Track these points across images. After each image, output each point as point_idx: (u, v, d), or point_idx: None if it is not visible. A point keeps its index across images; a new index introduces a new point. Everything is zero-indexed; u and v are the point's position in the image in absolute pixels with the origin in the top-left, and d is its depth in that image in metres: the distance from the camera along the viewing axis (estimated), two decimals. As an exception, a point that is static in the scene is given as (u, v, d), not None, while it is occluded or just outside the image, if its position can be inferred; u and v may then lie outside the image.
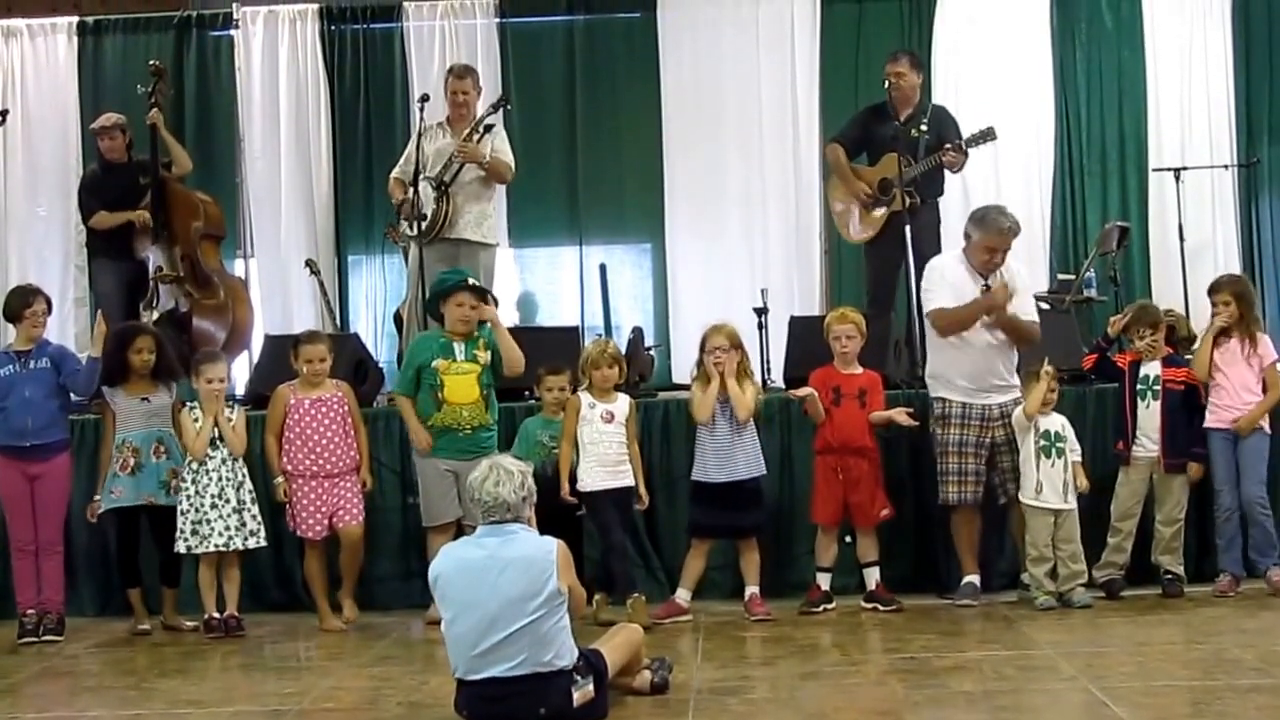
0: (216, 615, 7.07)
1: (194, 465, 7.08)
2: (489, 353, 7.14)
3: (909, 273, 8.15)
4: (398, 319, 9.84)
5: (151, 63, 9.33)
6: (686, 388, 7.58)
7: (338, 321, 10.23)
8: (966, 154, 8.34)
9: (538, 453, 7.04)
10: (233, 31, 10.66)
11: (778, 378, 8.44)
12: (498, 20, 10.70)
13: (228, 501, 7.07)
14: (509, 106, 8.87)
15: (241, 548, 7.10)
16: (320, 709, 5.53)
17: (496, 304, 7.55)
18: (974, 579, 7.17)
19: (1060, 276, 9.61)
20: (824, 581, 7.12)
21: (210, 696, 5.82)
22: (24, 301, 7.20)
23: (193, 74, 10.74)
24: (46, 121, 10.69)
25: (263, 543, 7.21)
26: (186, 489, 7.07)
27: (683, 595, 7.09)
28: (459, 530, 6.88)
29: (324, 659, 6.63)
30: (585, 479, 6.99)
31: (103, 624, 7.49)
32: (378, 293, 10.69)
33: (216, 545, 7.03)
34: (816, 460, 7.20)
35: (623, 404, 7.15)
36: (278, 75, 10.68)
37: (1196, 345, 7.35)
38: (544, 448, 7.14)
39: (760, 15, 10.55)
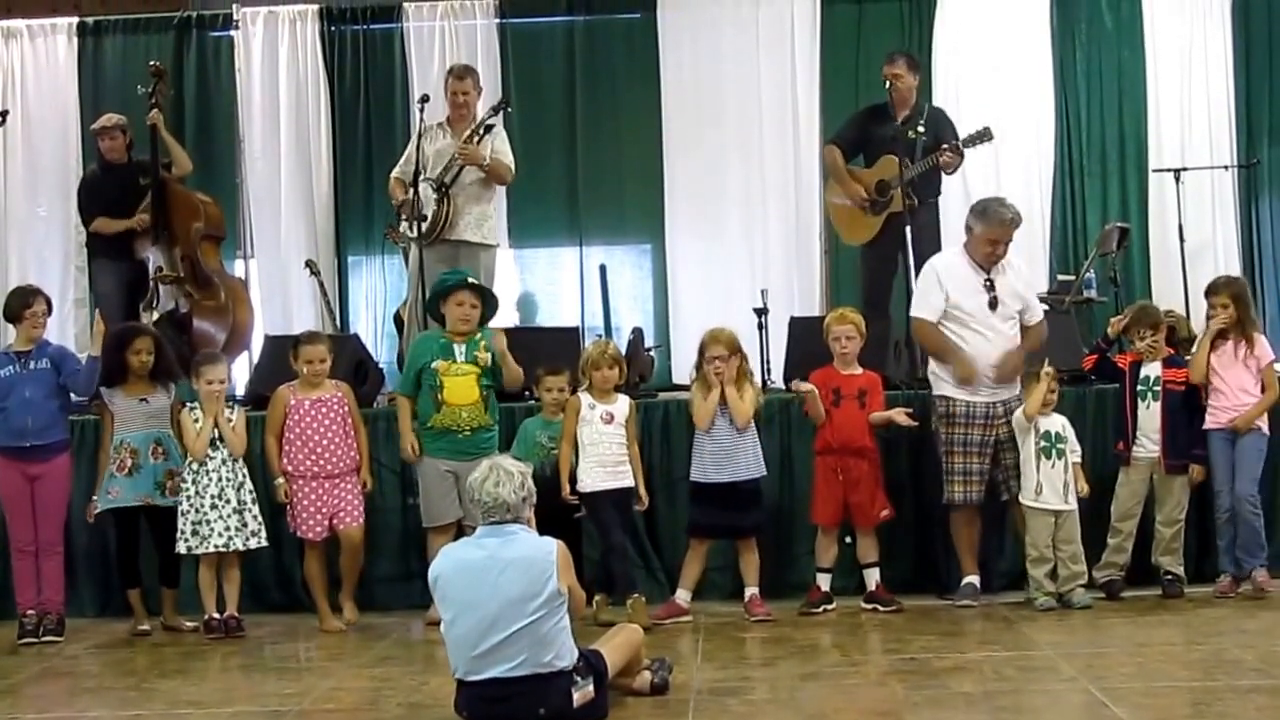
0: (216, 616, 7.07)
1: (194, 466, 7.08)
2: (489, 354, 7.14)
3: (908, 274, 8.17)
4: (398, 320, 9.84)
5: (151, 63, 9.32)
6: (686, 388, 7.58)
7: (338, 322, 10.23)
8: (962, 155, 8.34)
9: (537, 453, 7.04)
10: (233, 32, 10.66)
11: (778, 378, 8.44)
12: (498, 21, 10.70)
13: (228, 502, 7.07)
14: (509, 109, 8.86)
15: (242, 548, 7.11)
16: (320, 710, 5.54)
17: (498, 305, 7.56)
18: (974, 579, 7.17)
19: (1060, 277, 9.60)
20: (824, 582, 7.13)
21: (210, 697, 5.83)
22: (24, 302, 7.20)
23: (193, 75, 10.74)
24: (46, 122, 10.68)
25: (263, 543, 7.21)
26: (187, 489, 7.08)
27: (682, 596, 7.09)
28: (459, 531, 6.88)
29: (324, 660, 6.63)
30: (585, 480, 7.00)
31: (103, 625, 7.49)
32: (378, 293, 10.68)
33: (216, 546, 7.03)
34: (816, 461, 7.20)
35: (623, 405, 7.15)
36: (278, 76, 10.68)
37: (1195, 347, 7.34)
38: (543, 448, 7.14)
39: (760, 16, 10.54)
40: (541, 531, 5.11)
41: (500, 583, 4.86)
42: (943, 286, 7.10)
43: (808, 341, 7.82)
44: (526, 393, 7.63)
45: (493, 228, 8.71)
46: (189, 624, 7.25)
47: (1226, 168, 10.05)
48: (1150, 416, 7.16)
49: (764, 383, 8.31)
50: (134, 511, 7.19)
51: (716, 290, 10.31)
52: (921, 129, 8.14)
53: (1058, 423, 7.00)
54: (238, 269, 9.91)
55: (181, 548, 7.07)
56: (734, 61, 10.57)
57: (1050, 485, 6.93)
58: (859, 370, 7.22)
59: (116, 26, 10.81)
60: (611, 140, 10.73)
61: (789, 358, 8.19)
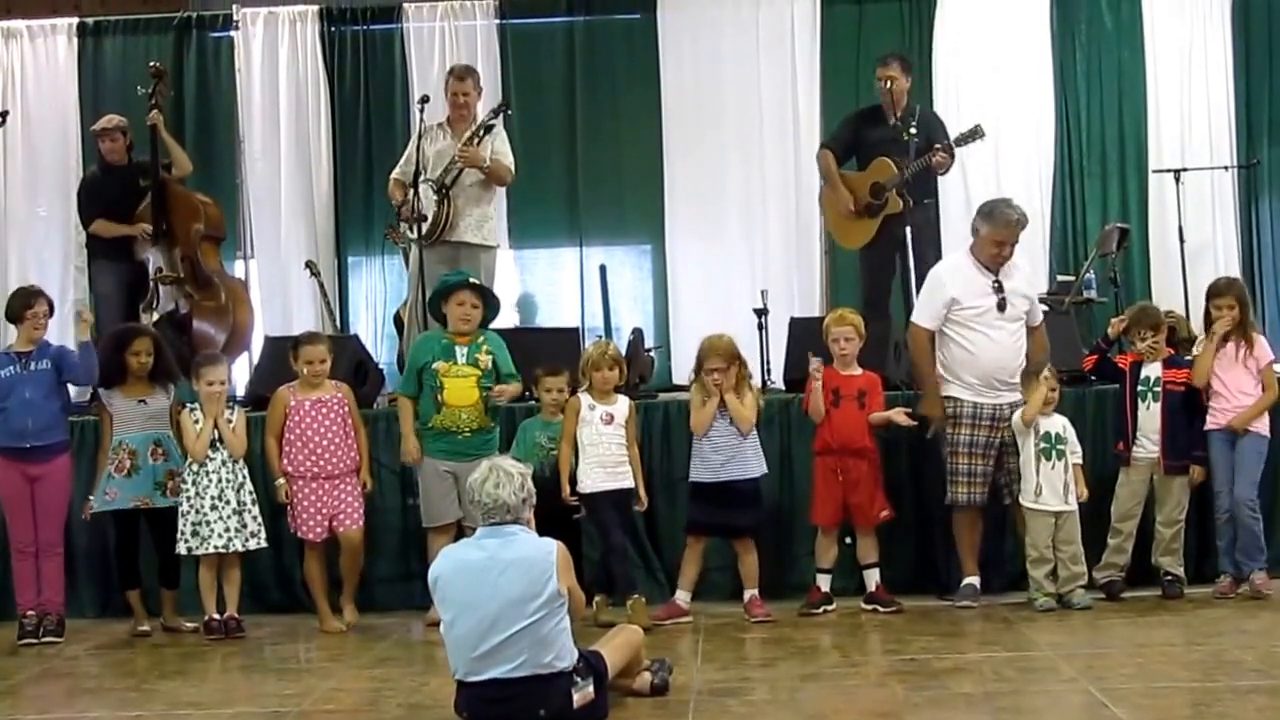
0: (216, 617, 7.07)
1: (194, 467, 7.08)
2: (490, 357, 7.15)
3: (908, 274, 8.17)
4: (398, 321, 9.84)
5: (151, 64, 9.32)
6: (686, 389, 7.58)
7: (338, 323, 10.22)
8: (953, 154, 8.36)
9: (536, 454, 7.05)
10: (233, 33, 10.65)
11: (778, 379, 8.44)
12: (498, 21, 10.69)
13: (228, 503, 7.07)
14: (509, 112, 8.85)
15: (241, 549, 7.11)
16: (320, 710, 5.54)
17: (499, 306, 7.57)
18: (974, 580, 7.18)
19: (1060, 278, 9.60)
20: (824, 583, 7.13)
21: (210, 698, 5.83)
22: (26, 303, 7.20)
23: (193, 75, 10.73)
24: (46, 123, 10.67)
25: (263, 544, 7.21)
26: (187, 490, 7.08)
27: (682, 597, 7.09)
28: (459, 531, 6.88)
29: (324, 660, 6.63)
30: (585, 480, 7.00)
31: (103, 625, 7.50)
32: (378, 294, 10.68)
33: (216, 547, 7.03)
34: (816, 461, 7.21)
35: (622, 406, 7.16)
36: (278, 76, 10.67)
37: (1196, 350, 7.34)
38: (542, 449, 7.14)
39: (760, 17, 10.54)
40: (541, 532, 5.11)
41: (500, 584, 4.86)
42: (947, 291, 7.11)
43: (808, 342, 7.81)
44: (526, 393, 7.63)
45: (493, 229, 8.71)
46: (189, 625, 7.26)
47: (1226, 168, 10.05)
48: (1150, 417, 7.16)
49: (764, 383, 8.31)
50: (133, 512, 7.20)
51: (716, 291, 10.32)
52: (914, 130, 8.15)
53: (1058, 423, 7.00)
54: (238, 270, 9.90)
55: (182, 549, 7.07)
56: (734, 62, 10.57)
57: (1050, 486, 6.93)
58: (858, 371, 7.22)
59: (116, 27, 10.81)
60: (611, 141, 10.72)
61: (789, 358, 8.20)
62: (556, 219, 10.74)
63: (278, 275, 10.56)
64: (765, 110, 10.51)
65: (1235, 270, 9.63)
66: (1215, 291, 7.31)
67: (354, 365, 8.14)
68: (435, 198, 8.34)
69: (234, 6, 10.60)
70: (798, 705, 5.33)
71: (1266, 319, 9.74)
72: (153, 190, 8.88)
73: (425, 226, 8.30)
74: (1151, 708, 5.03)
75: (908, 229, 8.21)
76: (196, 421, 7.12)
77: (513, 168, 8.57)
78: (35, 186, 10.64)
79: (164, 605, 7.33)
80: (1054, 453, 6.94)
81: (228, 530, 7.05)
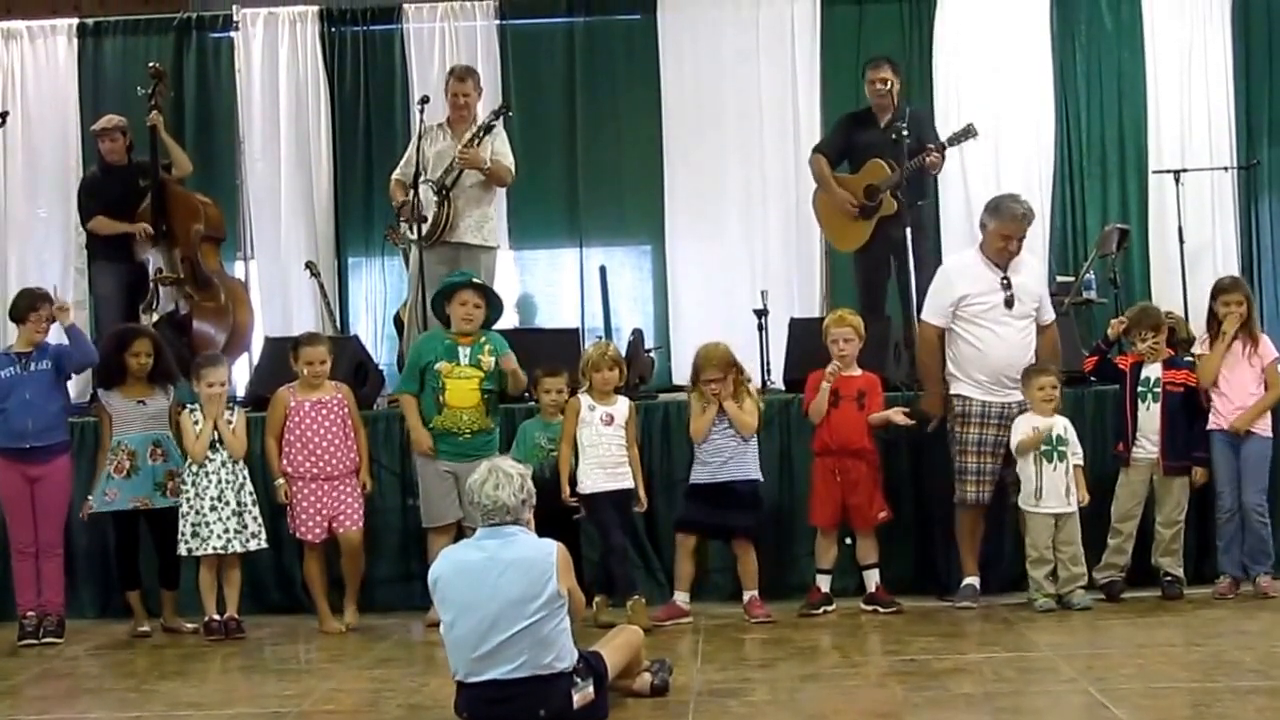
0: (216, 617, 7.07)
1: (194, 468, 7.09)
2: (493, 359, 7.15)
3: (906, 276, 8.18)
4: (398, 321, 9.85)
5: (151, 65, 9.32)
6: (686, 390, 7.57)
7: (338, 324, 10.23)
8: (944, 154, 8.39)
9: (536, 455, 7.05)
10: (233, 33, 10.64)
11: (778, 379, 8.44)
12: (498, 22, 10.69)
13: (227, 504, 7.07)
14: (510, 114, 8.85)
15: (241, 550, 7.11)
16: (321, 711, 5.54)
17: (502, 308, 7.58)
18: (974, 581, 7.18)
19: (1060, 278, 9.61)
20: (824, 583, 7.13)
21: (210, 699, 5.83)
22: (31, 305, 7.20)
23: (193, 76, 10.73)
24: (46, 123, 10.67)
25: (263, 545, 7.21)
26: (186, 492, 7.08)
27: (681, 597, 7.10)
28: (459, 532, 6.88)
29: (324, 661, 6.63)
30: (585, 481, 7.01)
31: (103, 626, 7.50)
32: (378, 295, 10.67)
33: (215, 548, 7.03)
34: (815, 462, 7.21)
35: (622, 406, 7.16)
36: (278, 77, 10.67)
37: (1200, 350, 7.33)
38: (542, 450, 7.15)
39: (760, 17, 10.54)
40: (540, 533, 5.11)
41: (500, 584, 4.86)
42: (955, 288, 7.13)
43: (808, 342, 7.82)
44: (525, 394, 7.63)
45: (493, 229, 8.72)
46: (189, 625, 7.26)
47: (1226, 169, 10.05)
48: (1150, 418, 7.16)
49: (764, 384, 8.31)
50: (133, 513, 7.20)
51: (716, 291, 10.32)
52: (905, 132, 8.16)
53: (1059, 425, 7.00)
54: (238, 270, 9.90)
55: (182, 549, 7.08)
56: (734, 63, 10.57)
57: (1051, 489, 6.93)
58: (858, 371, 7.22)
59: (116, 28, 10.80)
60: (611, 141, 10.73)
61: (789, 359, 8.20)
62: (556, 220, 10.74)
63: (278, 276, 10.56)
64: (765, 111, 10.51)
65: (1234, 271, 9.62)
66: (1221, 289, 7.31)
67: (354, 366, 8.15)
68: (435, 198, 8.34)
69: (234, 7, 10.59)
70: (798, 706, 5.33)
71: (1265, 319, 9.72)
72: (152, 191, 8.88)
73: (425, 227, 8.30)
74: (1151, 708, 5.03)
75: (906, 230, 8.21)
76: (196, 423, 7.12)
77: (513, 169, 8.57)
78: (35, 187, 10.64)
79: (164, 606, 7.33)
80: (1055, 454, 6.93)
81: (227, 531, 7.05)
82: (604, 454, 7.04)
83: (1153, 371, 7.20)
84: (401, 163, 8.67)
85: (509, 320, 9.37)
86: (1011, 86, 10.34)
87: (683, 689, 5.52)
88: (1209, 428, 7.16)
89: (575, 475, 7.03)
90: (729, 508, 7.04)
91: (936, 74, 10.36)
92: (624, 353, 7.79)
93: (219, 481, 7.08)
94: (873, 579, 7.13)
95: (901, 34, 10.47)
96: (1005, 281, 7.09)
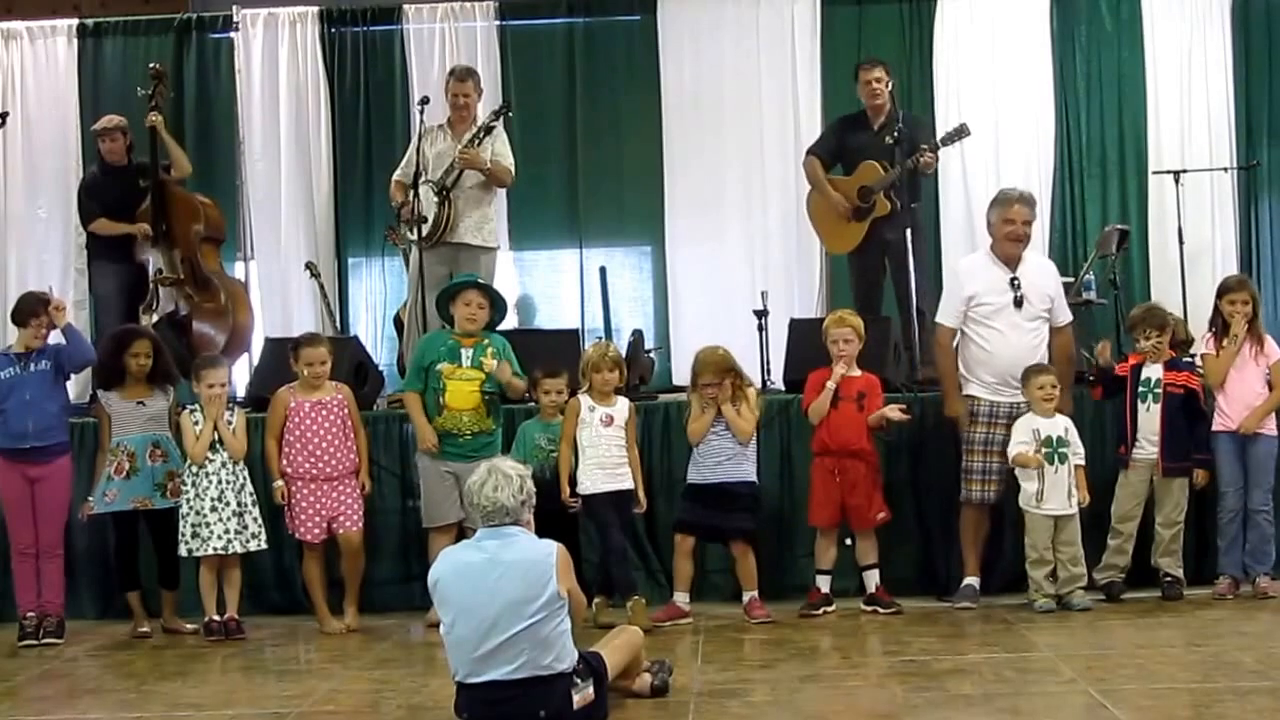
0: (216, 618, 7.07)
1: (194, 469, 7.09)
2: (496, 361, 7.15)
3: (906, 277, 8.18)
4: (398, 322, 9.85)
5: (151, 65, 9.33)
6: (686, 390, 7.58)
7: (338, 324, 10.22)
8: (937, 154, 8.41)
9: (535, 455, 7.05)
10: (233, 34, 10.62)
11: (778, 380, 8.44)
12: (498, 23, 10.68)
13: (228, 505, 7.07)
14: (510, 114, 8.86)
15: (241, 551, 7.11)
16: (321, 712, 5.54)
17: (506, 309, 7.59)
18: (974, 581, 7.19)
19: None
20: (824, 584, 7.13)
21: (210, 699, 5.83)
22: (34, 310, 7.21)
23: (193, 76, 10.72)
24: (46, 124, 10.66)
25: (263, 546, 7.22)
26: (186, 492, 7.08)
27: (681, 598, 7.10)
28: (460, 532, 6.88)
29: (324, 662, 6.63)
30: (584, 482, 7.01)
31: (103, 627, 7.50)
32: (378, 296, 10.66)
33: (215, 548, 7.04)
34: (814, 463, 7.21)
35: (622, 407, 7.17)
36: (278, 78, 10.66)
37: (1203, 350, 7.34)
38: (542, 450, 7.15)
39: (760, 18, 10.53)
40: (540, 534, 5.11)
41: (499, 585, 4.86)
42: (965, 288, 7.16)
43: (808, 343, 7.82)
44: (526, 395, 7.63)
45: (493, 230, 8.72)
46: (189, 626, 7.26)
47: (1226, 170, 10.05)
48: (1150, 418, 7.16)
49: (764, 384, 8.32)
50: (133, 514, 7.20)
51: (716, 292, 10.31)
52: (898, 133, 8.18)
53: (1060, 426, 6.98)
54: (238, 271, 9.89)
55: (182, 550, 7.08)
56: (734, 64, 10.56)
57: (1053, 491, 6.92)
58: (858, 372, 7.22)
59: (116, 28, 10.80)
60: (611, 142, 10.72)
61: (789, 359, 8.20)
62: (556, 221, 10.74)
63: (278, 277, 10.55)
64: (765, 111, 10.50)
65: (1234, 271, 9.61)
66: (1227, 288, 7.33)
67: (354, 366, 8.15)
68: (436, 199, 8.34)
69: (234, 7, 10.58)
70: (798, 706, 5.34)
71: (1262, 321, 9.73)
72: (152, 191, 8.88)
73: (426, 228, 8.31)
74: (1151, 709, 5.03)
75: (906, 231, 8.22)
76: (196, 424, 7.13)
77: (513, 169, 8.58)
78: (35, 188, 10.63)
79: (164, 607, 7.33)
80: (1056, 457, 6.93)
81: (227, 532, 7.06)
82: (604, 455, 7.05)
83: (1153, 372, 7.20)
84: (402, 163, 8.68)
85: (509, 321, 9.37)
86: (1011, 87, 10.34)
87: (683, 689, 5.52)
88: (1214, 429, 7.17)
89: (575, 476, 7.03)
90: (726, 509, 7.04)
91: (936, 75, 10.36)
92: (624, 353, 7.79)
93: (219, 482, 7.09)
94: (872, 580, 7.13)
95: (901, 35, 10.47)
96: (1014, 281, 7.10)
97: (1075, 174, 10.40)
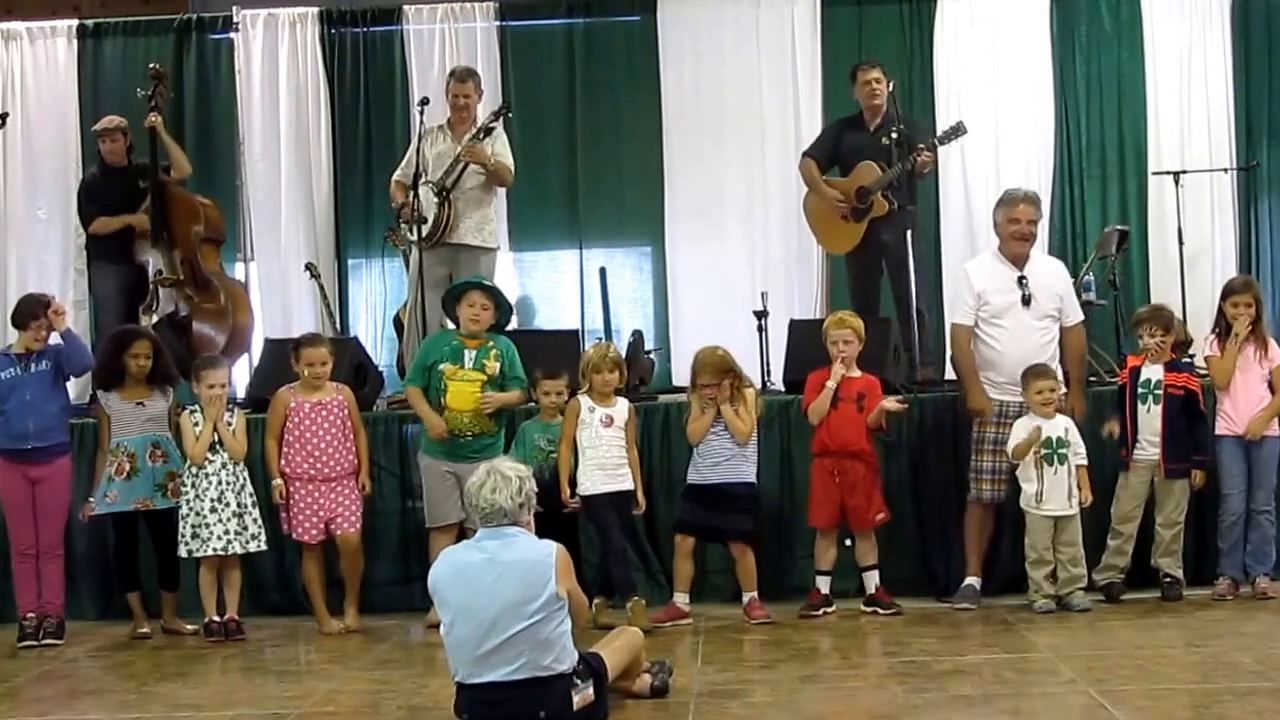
0: (216, 619, 7.08)
1: (194, 469, 7.09)
2: (499, 363, 7.15)
3: (906, 277, 8.18)
4: (398, 323, 9.85)
5: (151, 66, 9.33)
6: (686, 391, 7.58)
7: (337, 325, 10.22)
8: (935, 153, 8.41)
9: (535, 456, 7.05)
10: (233, 34, 10.62)
11: (778, 380, 8.44)
12: (498, 23, 10.67)
13: (227, 505, 7.08)
14: (510, 114, 8.86)
15: (241, 551, 7.11)
16: (320, 712, 5.54)
17: (511, 312, 7.59)
18: (974, 581, 7.19)
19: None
20: (823, 585, 7.14)
21: (210, 700, 5.84)
22: (33, 312, 7.21)
23: (192, 77, 10.70)
24: (46, 125, 10.64)
25: (263, 547, 7.22)
26: (187, 493, 7.09)
27: (680, 599, 7.10)
28: (462, 532, 6.88)
29: (324, 662, 6.64)
30: (584, 483, 7.01)
31: (103, 628, 7.51)
32: (378, 296, 10.65)
33: (215, 549, 7.04)
34: (814, 463, 7.21)
35: (622, 408, 7.17)
36: (278, 78, 10.65)
37: (1207, 351, 7.34)
38: (541, 451, 7.15)
39: (760, 19, 10.53)
40: (540, 535, 5.11)
41: (498, 586, 4.86)
42: (974, 286, 7.20)
43: (808, 343, 7.82)
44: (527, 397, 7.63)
45: (493, 231, 8.73)
46: (189, 627, 7.26)
47: (1226, 170, 10.04)
48: (1150, 419, 7.16)
49: (764, 385, 8.32)
50: (133, 514, 7.20)
51: (716, 293, 10.31)
52: (895, 135, 8.18)
53: (1060, 426, 6.98)
54: (238, 272, 9.89)
55: (182, 551, 7.08)
56: (734, 64, 10.55)
57: (1053, 492, 6.92)
58: (857, 373, 7.22)
59: (116, 29, 10.78)
60: (611, 143, 10.71)
61: (789, 360, 8.19)
62: (556, 221, 10.73)
63: (278, 277, 10.55)
64: (765, 112, 10.50)
65: (1234, 272, 9.62)
66: (1232, 290, 7.34)
67: (354, 367, 8.14)
68: (436, 200, 8.35)
69: (234, 8, 10.57)
70: (797, 707, 5.34)
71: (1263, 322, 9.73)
72: (152, 192, 8.87)
73: (426, 229, 8.31)
74: (1151, 709, 5.03)
75: (906, 233, 8.22)
76: (196, 424, 7.13)
77: (513, 169, 8.58)
78: (35, 188, 10.62)
79: (164, 607, 7.34)
80: (1056, 458, 6.92)
81: (228, 533, 7.06)
82: (604, 455, 7.05)
83: (1153, 374, 7.20)
84: (402, 164, 8.68)
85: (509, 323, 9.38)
86: (1011, 88, 10.33)
87: (683, 690, 5.52)
88: (1219, 433, 7.17)
89: (575, 476, 7.04)
90: (726, 510, 7.05)
91: (936, 76, 10.35)
92: (624, 354, 7.79)
93: (219, 483, 7.09)
94: (872, 580, 7.14)
95: (902, 36, 10.46)
96: (1022, 280, 7.12)
97: (1075, 175, 10.39)
